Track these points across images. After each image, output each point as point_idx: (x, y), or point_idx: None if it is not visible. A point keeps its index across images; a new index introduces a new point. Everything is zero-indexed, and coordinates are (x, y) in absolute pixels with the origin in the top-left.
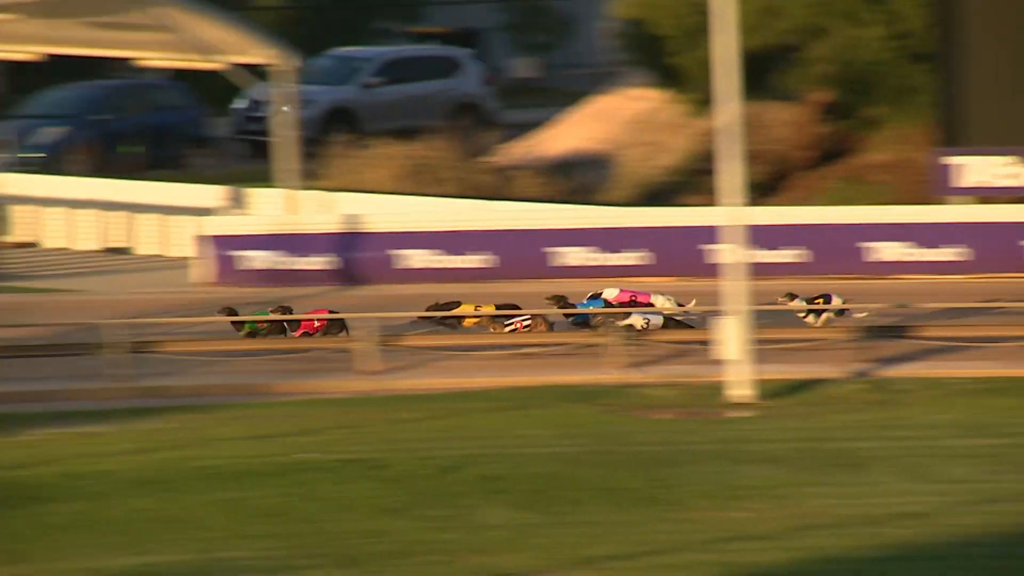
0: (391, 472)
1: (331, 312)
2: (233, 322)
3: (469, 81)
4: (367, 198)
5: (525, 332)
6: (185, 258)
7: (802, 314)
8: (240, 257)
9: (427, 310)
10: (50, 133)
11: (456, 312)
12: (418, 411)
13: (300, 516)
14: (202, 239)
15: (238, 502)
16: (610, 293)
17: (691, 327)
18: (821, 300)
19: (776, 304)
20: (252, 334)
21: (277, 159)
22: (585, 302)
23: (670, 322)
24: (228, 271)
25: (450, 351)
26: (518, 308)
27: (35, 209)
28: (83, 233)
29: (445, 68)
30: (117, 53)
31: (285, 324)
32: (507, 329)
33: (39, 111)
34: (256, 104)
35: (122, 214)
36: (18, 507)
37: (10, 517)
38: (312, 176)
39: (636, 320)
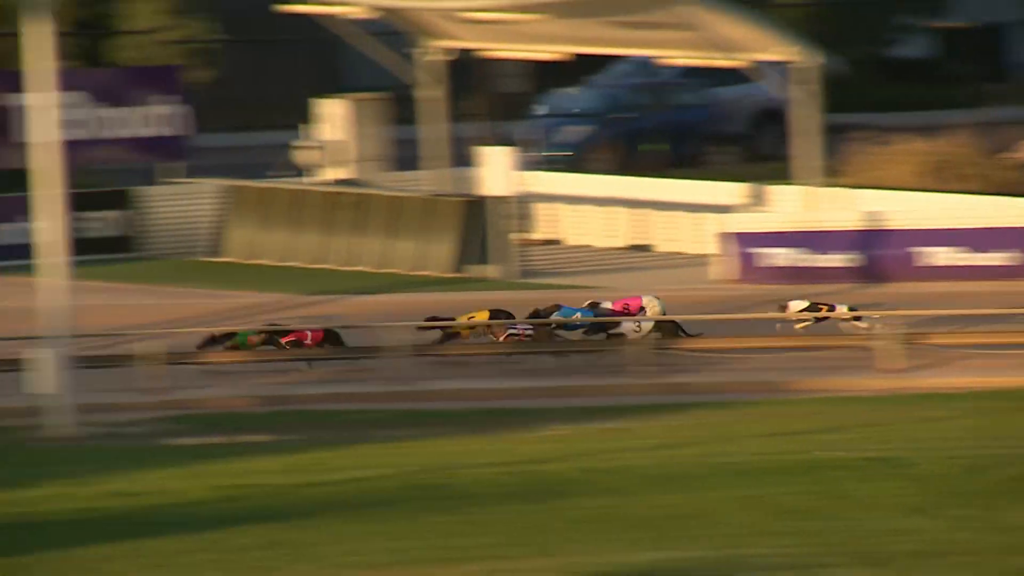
0: (916, 471)
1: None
2: (216, 337)
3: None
4: (887, 195)
5: (527, 340)
6: (705, 255)
7: (799, 324)
8: (761, 254)
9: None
10: (574, 131)
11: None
12: (943, 410)
13: (823, 514)
14: (724, 236)
15: (759, 499)
16: (605, 305)
17: (684, 331)
18: (825, 308)
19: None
20: (236, 347)
21: (796, 156)
22: (569, 308)
23: (661, 325)
24: (749, 268)
25: (975, 349)
26: (511, 316)
27: (558, 207)
28: (605, 230)
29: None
30: (639, 52)
31: (276, 336)
32: (504, 337)
33: (564, 110)
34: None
35: (643, 211)
36: (541, 501)
37: (533, 511)
38: (830, 173)
39: (627, 327)
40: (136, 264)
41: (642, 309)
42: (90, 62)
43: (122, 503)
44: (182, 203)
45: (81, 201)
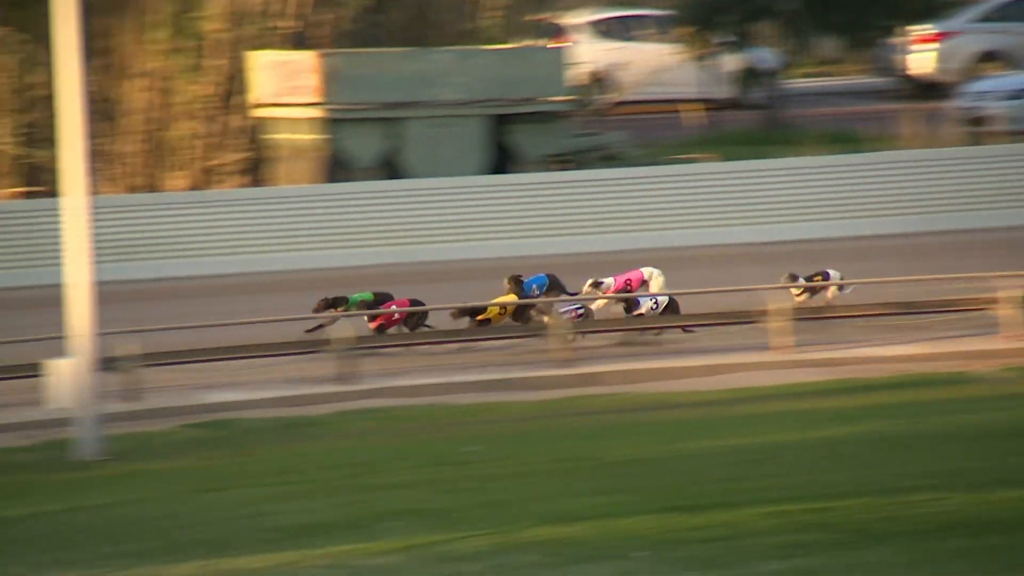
0: None
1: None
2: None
3: None
4: None
5: (580, 321)
6: None
7: (797, 293)
8: None
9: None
10: None
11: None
12: None
13: None
14: None
15: None
16: (608, 283)
17: (676, 311)
18: (819, 277)
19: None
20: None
21: None
22: (529, 279)
23: (671, 302)
24: None
25: None
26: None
27: None
28: None
29: None
30: None
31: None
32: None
33: None
34: None
35: None
36: None
37: None
38: None
39: (645, 304)
40: None
41: (645, 283)
42: None
43: None
44: None
45: None
